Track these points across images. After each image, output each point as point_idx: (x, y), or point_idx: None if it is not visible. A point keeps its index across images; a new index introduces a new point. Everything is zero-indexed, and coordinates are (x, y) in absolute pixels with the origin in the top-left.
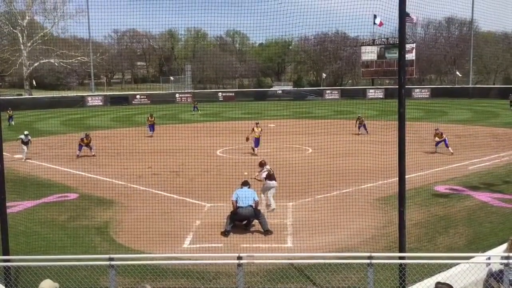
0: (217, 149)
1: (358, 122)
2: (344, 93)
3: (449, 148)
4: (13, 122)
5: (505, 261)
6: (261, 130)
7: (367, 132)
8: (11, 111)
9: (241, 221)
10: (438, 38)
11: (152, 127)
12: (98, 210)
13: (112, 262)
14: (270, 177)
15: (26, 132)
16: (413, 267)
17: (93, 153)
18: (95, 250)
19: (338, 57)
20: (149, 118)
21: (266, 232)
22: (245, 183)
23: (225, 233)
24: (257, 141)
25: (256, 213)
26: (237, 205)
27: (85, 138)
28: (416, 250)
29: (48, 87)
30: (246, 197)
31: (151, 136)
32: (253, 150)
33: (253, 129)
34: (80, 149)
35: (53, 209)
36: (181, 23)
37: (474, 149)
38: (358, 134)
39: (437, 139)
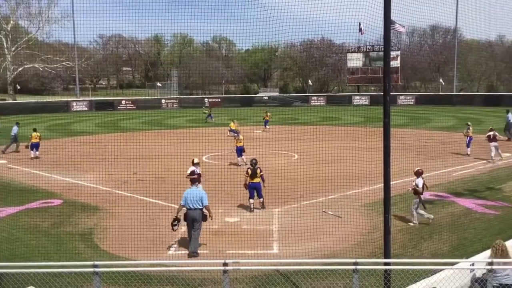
0: (203, 155)
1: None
2: (330, 99)
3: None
4: None
5: (489, 267)
6: (243, 138)
7: None
8: None
9: (192, 222)
10: (423, 45)
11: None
12: (82, 216)
13: (96, 269)
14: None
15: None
16: (398, 273)
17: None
18: (79, 257)
19: (324, 63)
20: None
21: (192, 254)
22: (194, 181)
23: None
24: (239, 150)
25: (203, 218)
26: (186, 206)
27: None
28: (401, 256)
29: (33, 92)
30: (194, 198)
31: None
32: (240, 160)
33: (236, 137)
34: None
35: (36, 215)
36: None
37: (458, 156)
38: None
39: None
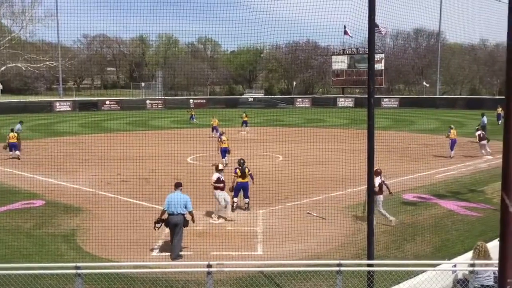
0: (187, 156)
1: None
2: (314, 101)
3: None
4: None
5: (471, 268)
6: (227, 139)
7: None
8: None
9: (174, 227)
10: (407, 49)
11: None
12: (65, 217)
13: (79, 271)
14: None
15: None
16: (381, 274)
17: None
18: (62, 258)
19: (309, 65)
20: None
21: (176, 257)
22: (178, 185)
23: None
24: (224, 152)
25: (184, 223)
26: (168, 211)
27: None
28: (384, 258)
29: (15, 91)
30: (177, 203)
31: None
32: (224, 161)
33: (219, 139)
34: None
35: (18, 216)
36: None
37: (441, 158)
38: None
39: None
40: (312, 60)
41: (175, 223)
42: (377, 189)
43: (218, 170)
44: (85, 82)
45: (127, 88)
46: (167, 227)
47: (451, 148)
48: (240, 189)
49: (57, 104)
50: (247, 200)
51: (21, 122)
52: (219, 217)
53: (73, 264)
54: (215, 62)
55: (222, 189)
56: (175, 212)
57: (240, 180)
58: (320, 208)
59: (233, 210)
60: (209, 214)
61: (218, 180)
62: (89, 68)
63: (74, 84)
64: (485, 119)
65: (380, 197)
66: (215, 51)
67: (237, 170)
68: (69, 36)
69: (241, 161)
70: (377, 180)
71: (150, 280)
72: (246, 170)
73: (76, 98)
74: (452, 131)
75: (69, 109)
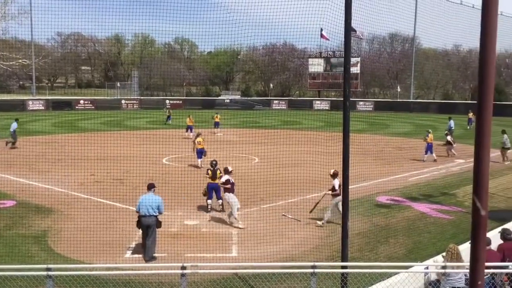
0: (163, 157)
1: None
2: (291, 103)
3: (425, 156)
4: None
5: (442, 270)
6: (203, 140)
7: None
8: None
9: (146, 229)
10: (382, 53)
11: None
12: (36, 218)
13: (50, 273)
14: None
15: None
16: (355, 276)
17: None
18: (32, 260)
19: (286, 68)
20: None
21: (150, 259)
22: (150, 186)
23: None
24: (200, 153)
25: (157, 225)
26: (140, 213)
27: None
28: (358, 260)
29: None
30: (149, 205)
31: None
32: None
33: (194, 141)
34: None
35: None
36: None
37: (414, 162)
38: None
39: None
40: (289, 62)
41: (147, 225)
42: (337, 190)
43: (227, 172)
44: (59, 81)
45: (102, 88)
46: (139, 228)
47: (426, 152)
48: (212, 190)
49: (30, 103)
50: (220, 201)
51: (16, 120)
52: (231, 223)
53: (44, 266)
54: (192, 63)
55: (231, 191)
56: (147, 214)
57: (210, 181)
58: (295, 210)
59: (208, 211)
60: (184, 215)
61: (227, 182)
62: (63, 67)
63: (47, 83)
64: (451, 122)
65: (340, 198)
66: (192, 52)
67: (209, 171)
68: (43, 34)
69: (213, 162)
70: (336, 182)
71: (123, 282)
72: (218, 172)
73: (50, 97)
74: (430, 135)
75: (42, 108)
